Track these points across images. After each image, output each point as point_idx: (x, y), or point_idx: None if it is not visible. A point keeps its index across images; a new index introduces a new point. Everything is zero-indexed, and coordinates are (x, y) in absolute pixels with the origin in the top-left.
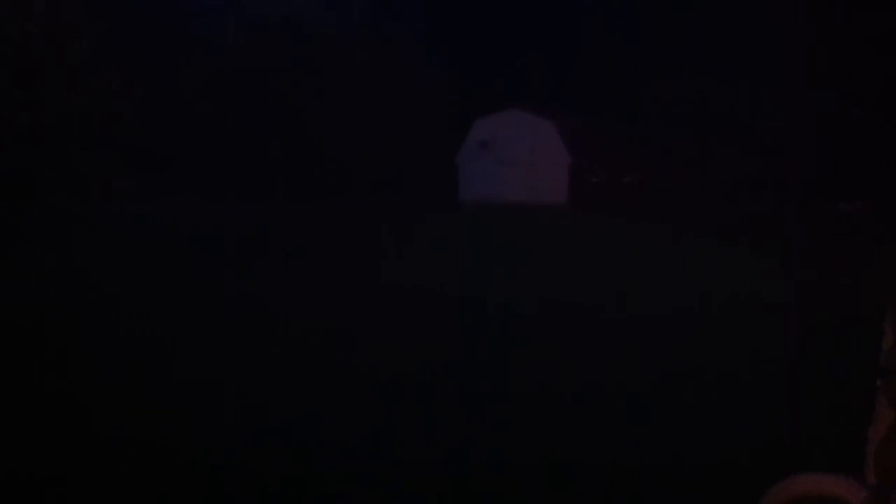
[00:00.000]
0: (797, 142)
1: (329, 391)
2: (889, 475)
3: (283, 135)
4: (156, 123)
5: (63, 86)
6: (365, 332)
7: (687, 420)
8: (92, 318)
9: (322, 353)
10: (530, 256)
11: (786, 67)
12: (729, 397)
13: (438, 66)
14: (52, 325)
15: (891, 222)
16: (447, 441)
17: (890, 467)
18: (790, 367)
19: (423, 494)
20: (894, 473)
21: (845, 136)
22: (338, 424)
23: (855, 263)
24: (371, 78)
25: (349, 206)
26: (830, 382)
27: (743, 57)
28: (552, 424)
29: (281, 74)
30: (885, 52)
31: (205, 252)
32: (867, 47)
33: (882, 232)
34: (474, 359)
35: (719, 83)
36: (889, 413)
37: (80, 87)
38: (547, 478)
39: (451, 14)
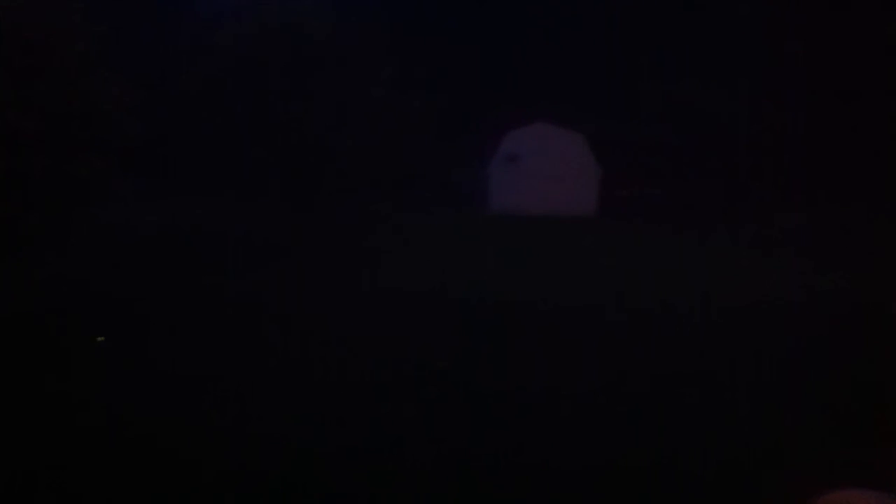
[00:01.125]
0: (821, 145)
1: (329, 391)
2: None
3: (285, 136)
4: (155, 125)
5: (62, 88)
6: (367, 333)
7: (688, 421)
8: (90, 319)
9: (323, 353)
10: (544, 262)
11: (800, 72)
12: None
13: (454, 74)
14: (52, 327)
15: (890, 222)
16: (447, 441)
17: None
18: (796, 368)
19: (423, 494)
20: None
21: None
22: (337, 424)
23: (858, 265)
24: (375, 81)
25: (358, 210)
26: (832, 383)
27: (759, 62)
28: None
29: (281, 75)
30: (883, 51)
31: (204, 253)
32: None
33: (883, 232)
34: (489, 360)
35: (735, 87)
36: None
37: (80, 89)
38: (547, 478)
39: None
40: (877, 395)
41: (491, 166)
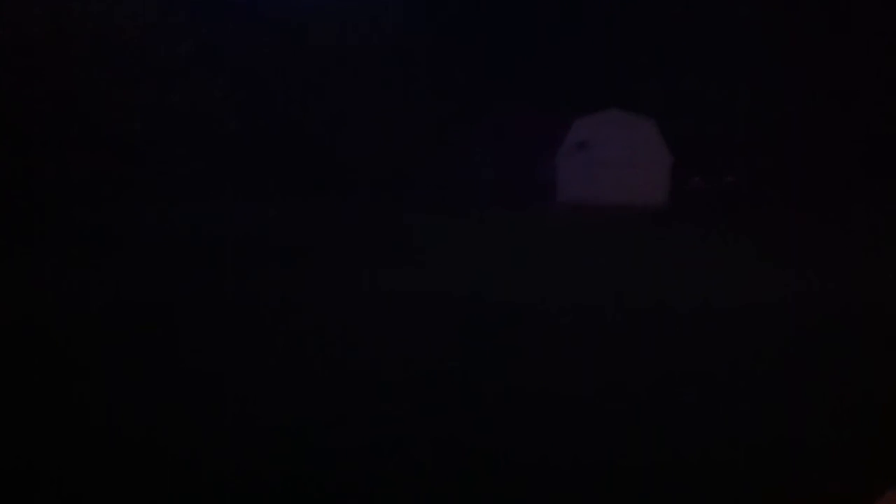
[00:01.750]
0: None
1: (332, 392)
2: None
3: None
4: (156, 123)
5: (64, 86)
6: (373, 334)
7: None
8: (92, 319)
9: (329, 354)
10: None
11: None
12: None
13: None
14: (53, 327)
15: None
16: (447, 440)
17: None
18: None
19: (422, 495)
20: None
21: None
22: (338, 424)
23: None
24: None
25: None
26: (832, 383)
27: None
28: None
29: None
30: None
31: (206, 254)
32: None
33: (881, 230)
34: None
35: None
36: None
37: (81, 87)
38: (546, 478)
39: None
40: (877, 396)
41: (559, 154)
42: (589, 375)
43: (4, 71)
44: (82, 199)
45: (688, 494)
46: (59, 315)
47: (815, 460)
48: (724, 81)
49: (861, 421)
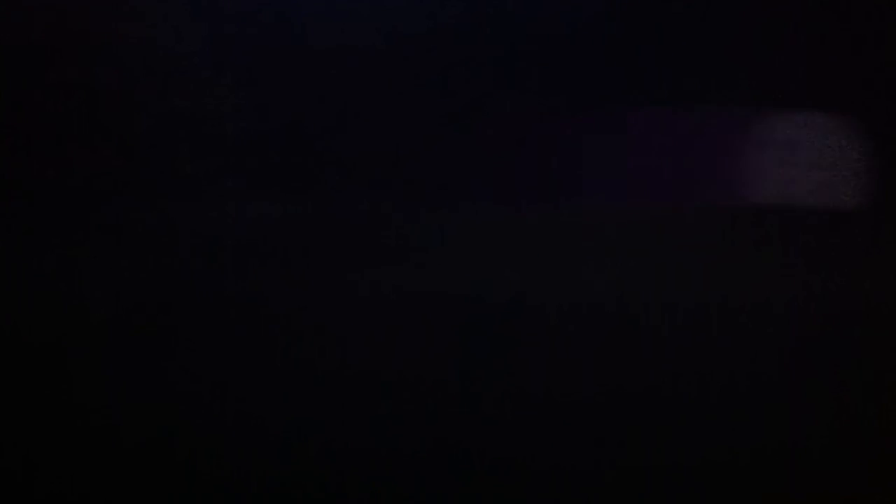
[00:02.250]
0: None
1: (332, 392)
2: None
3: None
4: (156, 123)
5: (64, 86)
6: (372, 334)
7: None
8: (92, 319)
9: (330, 354)
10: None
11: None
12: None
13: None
14: (53, 326)
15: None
16: (447, 441)
17: None
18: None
19: (423, 495)
20: None
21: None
22: (338, 425)
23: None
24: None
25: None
26: (832, 384)
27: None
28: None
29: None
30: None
31: (206, 252)
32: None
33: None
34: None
35: None
36: None
37: (81, 87)
38: (546, 479)
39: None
40: (877, 396)
41: (747, 153)
42: (590, 376)
43: (4, 71)
44: (82, 199)
45: (688, 495)
46: (59, 315)
47: (815, 460)
48: (725, 80)
49: (861, 421)
